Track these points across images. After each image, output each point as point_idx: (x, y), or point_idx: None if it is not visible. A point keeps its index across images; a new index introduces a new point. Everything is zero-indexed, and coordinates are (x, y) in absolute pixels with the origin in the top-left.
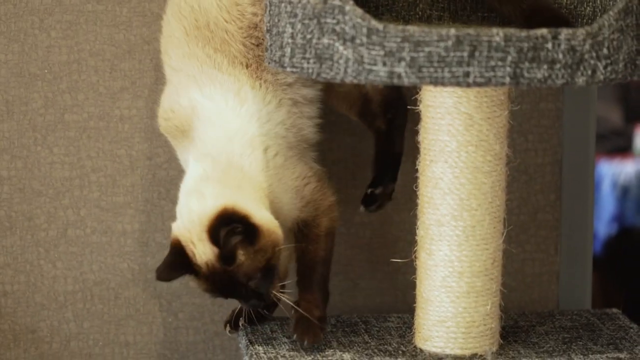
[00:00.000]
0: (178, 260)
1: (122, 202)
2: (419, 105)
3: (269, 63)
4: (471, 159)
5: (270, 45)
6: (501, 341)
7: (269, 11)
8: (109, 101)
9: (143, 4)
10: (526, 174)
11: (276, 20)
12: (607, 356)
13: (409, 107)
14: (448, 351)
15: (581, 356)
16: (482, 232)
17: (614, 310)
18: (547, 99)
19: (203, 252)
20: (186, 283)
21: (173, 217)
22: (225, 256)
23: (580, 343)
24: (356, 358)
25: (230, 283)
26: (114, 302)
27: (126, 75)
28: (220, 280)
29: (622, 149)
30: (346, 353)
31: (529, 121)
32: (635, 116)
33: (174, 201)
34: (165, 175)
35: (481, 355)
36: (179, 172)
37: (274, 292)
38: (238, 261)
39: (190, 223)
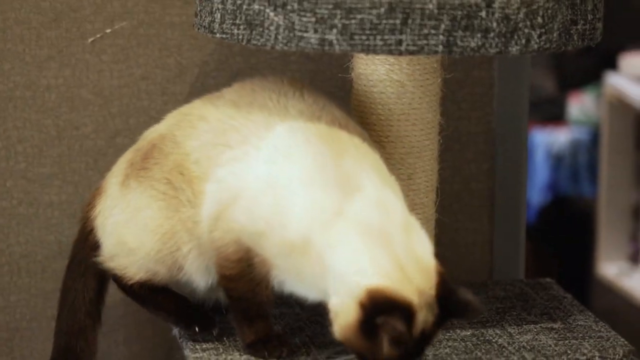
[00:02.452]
0: None
1: (49, 173)
2: (350, 74)
3: (198, 29)
4: (403, 127)
5: (200, 11)
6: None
7: None
8: (35, 70)
9: None
10: (459, 143)
11: None
12: (541, 326)
13: (340, 75)
14: None
15: (515, 327)
16: (415, 201)
17: (548, 280)
18: (480, 67)
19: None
20: None
21: None
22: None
23: (514, 313)
24: (287, 330)
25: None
26: (40, 275)
27: (52, 44)
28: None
29: (556, 118)
30: (277, 325)
31: (462, 89)
32: (569, 84)
33: (101, 172)
34: (93, 146)
35: None
36: (106, 142)
37: None
38: None
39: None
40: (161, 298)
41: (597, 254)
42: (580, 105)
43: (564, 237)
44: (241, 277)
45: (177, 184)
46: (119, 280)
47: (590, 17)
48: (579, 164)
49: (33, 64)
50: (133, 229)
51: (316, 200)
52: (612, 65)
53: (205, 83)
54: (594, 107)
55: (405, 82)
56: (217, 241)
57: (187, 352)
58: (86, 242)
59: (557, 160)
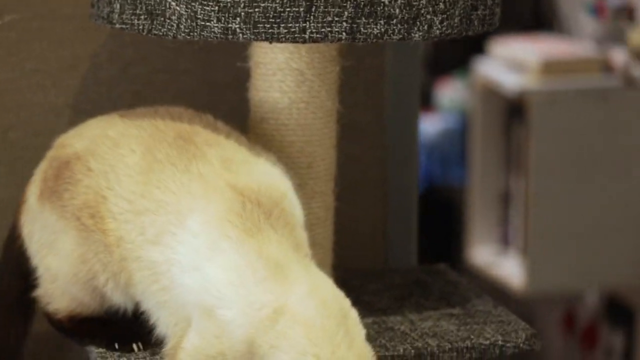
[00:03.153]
0: None
1: None
2: (249, 62)
3: (95, 20)
4: (303, 115)
5: (97, 1)
6: None
7: None
8: None
9: None
10: (352, 131)
11: None
12: (441, 312)
13: (238, 64)
14: None
15: (415, 314)
16: (314, 189)
17: (442, 266)
18: (372, 55)
19: None
20: None
21: None
22: None
23: (413, 300)
24: None
25: None
26: None
27: None
28: None
29: (424, 105)
30: None
31: (354, 77)
32: (436, 71)
33: None
34: None
35: None
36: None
37: None
38: None
39: None
40: (86, 326)
41: (468, 239)
42: (449, 91)
43: (435, 225)
44: None
45: (88, 224)
46: (49, 317)
47: (489, 2)
48: (449, 151)
49: None
50: (54, 253)
51: (253, 302)
52: (480, 50)
53: (97, 75)
54: (463, 94)
55: (304, 70)
56: None
57: None
58: (14, 245)
59: (427, 148)
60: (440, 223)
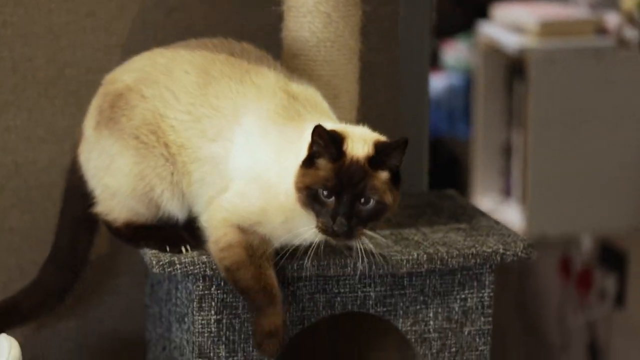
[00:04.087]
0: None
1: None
2: (282, 6)
3: None
4: (329, 53)
5: None
6: None
7: None
8: None
9: None
10: (368, 72)
11: None
12: (450, 227)
13: (273, 7)
14: None
15: (428, 227)
16: (340, 117)
17: (451, 191)
18: (387, 3)
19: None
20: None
21: None
22: (376, 161)
23: (425, 217)
24: None
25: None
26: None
27: None
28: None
29: (431, 64)
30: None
31: (370, 24)
32: (443, 33)
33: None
34: (45, 76)
35: None
36: (57, 73)
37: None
38: (382, 174)
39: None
40: (141, 232)
41: (472, 189)
42: (455, 52)
43: (442, 175)
44: (243, 263)
45: (147, 140)
46: (108, 225)
47: None
48: (454, 107)
49: None
50: (111, 174)
51: (287, 167)
52: (483, 14)
53: (144, 19)
54: (468, 55)
55: (331, 13)
56: (212, 229)
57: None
58: (75, 173)
59: (434, 104)
60: (446, 174)
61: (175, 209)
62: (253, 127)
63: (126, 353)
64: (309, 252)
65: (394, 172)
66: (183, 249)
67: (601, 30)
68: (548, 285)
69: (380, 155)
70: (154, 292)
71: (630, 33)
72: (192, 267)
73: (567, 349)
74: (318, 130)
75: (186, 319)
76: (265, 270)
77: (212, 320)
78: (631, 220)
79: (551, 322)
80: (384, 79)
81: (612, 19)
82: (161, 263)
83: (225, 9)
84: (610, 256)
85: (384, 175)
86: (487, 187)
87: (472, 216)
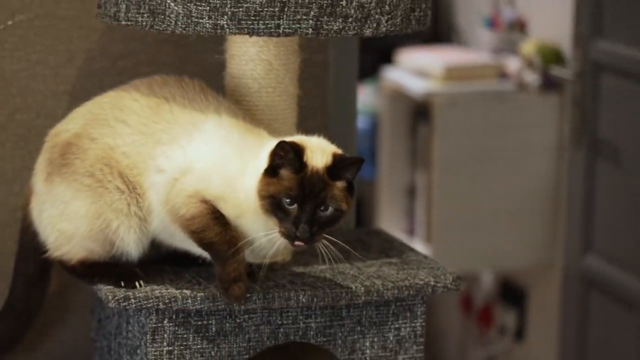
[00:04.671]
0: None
1: None
2: (224, 55)
3: (102, 18)
4: (270, 98)
5: (104, 3)
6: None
7: None
8: None
9: None
10: (301, 116)
11: None
12: (382, 262)
13: (217, 55)
14: None
15: (360, 262)
16: None
17: (378, 228)
18: (318, 52)
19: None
20: (15, 216)
21: None
22: (334, 173)
23: (357, 253)
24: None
25: (316, 193)
26: None
27: None
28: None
29: None
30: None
31: (304, 70)
32: None
33: (3, 144)
34: None
35: None
36: (7, 118)
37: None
38: (340, 184)
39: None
40: (95, 269)
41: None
42: (361, 96)
43: None
44: (208, 226)
45: (102, 175)
46: (63, 263)
47: (423, 5)
48: (360, 149)
49: None
50: (65, 218)
51: (249, 168)
52: (388, 60)
53: (91, 67)
54: (373, 98)
55: (272, 61)
56: (179, 207)
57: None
58: (27, 232)
59: None
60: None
61: (130, 244)
62: (214, 131)
63: None
64: (262, 268)
65: (349, 182)
66: (137, 284)
67: (502, 74)
68: (449, 321)
69: (338, 168)
70: (102, 326)
71: (529, 77)
72: (145, 302)
73: None
74: (282, 145)
75: (139, 351)
76: (228, 226)
77: (165, 352)
78: (530, 257)
79: (453, 358)
80: (314, 123)
81: (512, 64)
82: (117, 298)
83: (168, 56)
84: (510, 292)
85: (341, 184)
86: (392, 227)
87: (401, 251)
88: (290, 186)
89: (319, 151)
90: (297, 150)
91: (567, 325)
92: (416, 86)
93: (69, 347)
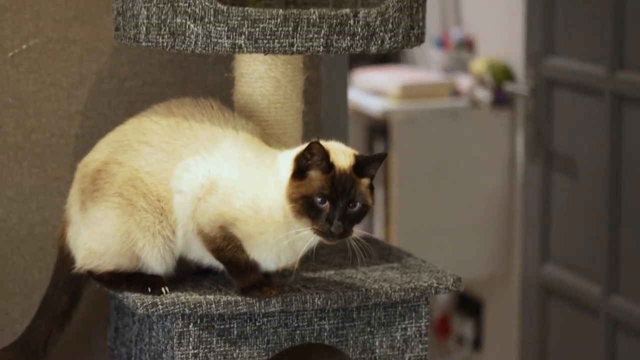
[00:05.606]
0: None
1: None
2: (233, 73)
3: (120, 40)
4: (279, 114)
5: (123, 25)
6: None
7: None
8: None
9: None
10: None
11: (130, 5)
12: (384, 266)
13: (226, 74)
14: None
15: (365, 267)
16: None
17: (375, 236)
18: (311, 69)
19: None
20: (33, 232)
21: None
22: (360, 170)
23: (361, 259)
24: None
25: (346, 191)
26: None
27: None
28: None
29: None
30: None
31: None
32: None
33: (20, 163)
34: (13, 141)
35: None
36: (24, 138)
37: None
38: (365, 181)
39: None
40: (122, 277)
41: None
42: None
43: None
44: (225, 247)
45: (129, 195)
46: (91, 273)
47: (421, 23)
48: None
49: None
50: (96, 238)
51: (267, 183)
52: None
53: (100, 88)
54: None
55: (280, 78)
56: (203, 226)
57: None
58: (64, 263)
59: None
60: None
61: (154, 261)
62: (232, 148)
63: None
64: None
65: (371, 180)
66: (163, 291)
67: (455, 92)
68: None
69: (363, 165)
70: (120, 335)
71: (481, 94)
72: (172, 307)
73: None
74: (312, 146)
75: (164, 355)
76: (243, 251)
77: (190, 355)
78: (486, 269)
79: None
80: (310, 134)
81: (464, 82)
82: (145, 304)
83: (172, 76)
84: (467, 303)
85: (366, 181)
86: None
87: (399, 257)
88: (322, 185)
89: (340, 152)
90: (325, 152)
91: (527, 333)
92: (373, 104)
93: (85, 357)
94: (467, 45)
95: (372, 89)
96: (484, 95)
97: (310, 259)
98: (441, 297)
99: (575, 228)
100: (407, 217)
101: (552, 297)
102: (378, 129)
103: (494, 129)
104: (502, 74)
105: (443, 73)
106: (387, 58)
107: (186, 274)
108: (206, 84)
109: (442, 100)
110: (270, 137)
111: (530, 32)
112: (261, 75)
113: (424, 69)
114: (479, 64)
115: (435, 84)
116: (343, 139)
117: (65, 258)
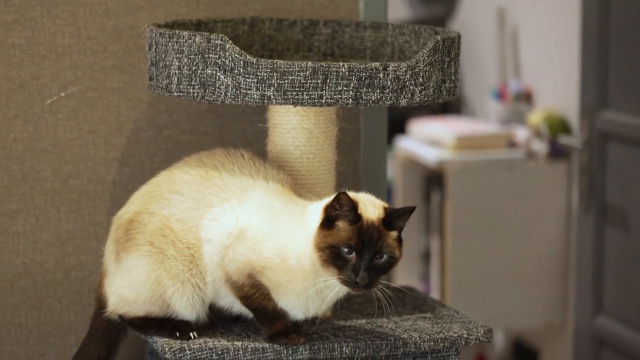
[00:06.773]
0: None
1: (16, 209)
2: (267, 124)
3: (153, 90)
4: (311, 164)
5: (156, 76)
6: (333, 308)
7: (155, 49)
8: (5, 126)
9: None
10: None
11: (163, 56)
12: (416, 316)
13: (260, 124)
14: None
15: (396, 317)
16: None
17: (411, 286)
18: (350, 121)
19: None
20: (69, 276)
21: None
22: (388, 223)
23: (392, 308)
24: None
25: (373, 243)
26: (9, 290)
27: (19, 106)
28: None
29: None
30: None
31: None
32: None
33: (58, 208)
34: (50, 186)
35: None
36: (62, 184)
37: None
38: (393, 233)
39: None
40: (152, 322)
41: None
42: None
43: None
44: (253, 294)
45: (159, 244)
46: (122, 317)
47: (453, 77)
48: None
49: (3, 121)
50: (128, 285)
51: (296, 233)
52: (401, 130)
53: (138, 135)
54: (387, 167)
55: (312, 129)
56: (231, 274)
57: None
58: (102, 313)
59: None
60: None
61: (182, 309)
62: (262, 198)
63: None
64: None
65: (399, 233)
66: (191, 336)
67: (511, 143)
68: None
69: (392, 218)
70: None
71: (537, 146)
72: (200, 353)
73: None
74: (340, 197)
75: None
76: (270, 299)
77: None
78: (541, 318)
79: None
80: (349, 185)
81: (520, 133)
82: (172, 349)
83: (209, 125)
84: (523, 352)
85: (394, 234)
86: None
87: (432, 307)
88: (349, 236)
89: (369, 204)
90: (353, 203)
91: None
92: (429, 154)
93: None
94: (525, 97)
95: (429, 139)
96: (540, 147)
97: (343, 307)
98: (498, 345)
99: (629, 280)
100: (463, 267)
101: (605, 349)
102: (434, 178)
103: (550, 181)
104: (558, 126)
105: (500, 124)
106: (446, 109)
107: (219, 320)
108: (244, 134)
109: (498, 151)
110: (302, 187)
111: (585, 86)
112: (294, 126)
113: (482, 120)
114: (536, 116)
115: (492, 135)
116: (381, 190)
117: (103, 307)
